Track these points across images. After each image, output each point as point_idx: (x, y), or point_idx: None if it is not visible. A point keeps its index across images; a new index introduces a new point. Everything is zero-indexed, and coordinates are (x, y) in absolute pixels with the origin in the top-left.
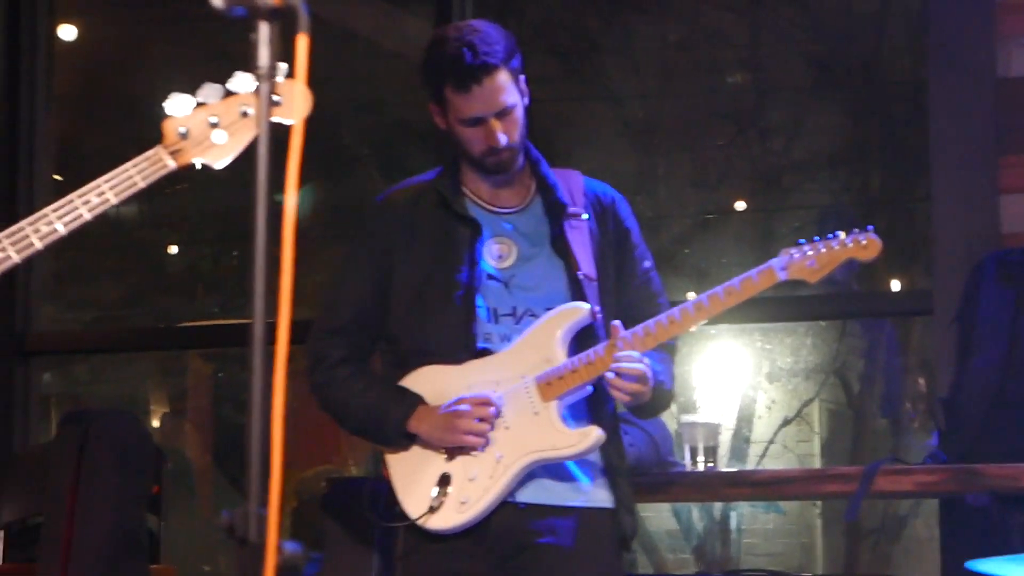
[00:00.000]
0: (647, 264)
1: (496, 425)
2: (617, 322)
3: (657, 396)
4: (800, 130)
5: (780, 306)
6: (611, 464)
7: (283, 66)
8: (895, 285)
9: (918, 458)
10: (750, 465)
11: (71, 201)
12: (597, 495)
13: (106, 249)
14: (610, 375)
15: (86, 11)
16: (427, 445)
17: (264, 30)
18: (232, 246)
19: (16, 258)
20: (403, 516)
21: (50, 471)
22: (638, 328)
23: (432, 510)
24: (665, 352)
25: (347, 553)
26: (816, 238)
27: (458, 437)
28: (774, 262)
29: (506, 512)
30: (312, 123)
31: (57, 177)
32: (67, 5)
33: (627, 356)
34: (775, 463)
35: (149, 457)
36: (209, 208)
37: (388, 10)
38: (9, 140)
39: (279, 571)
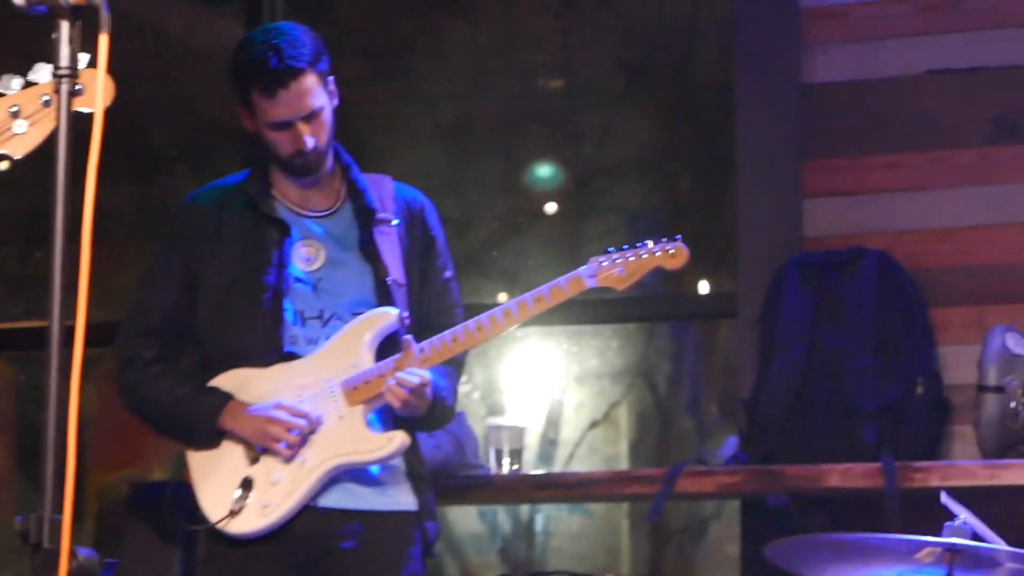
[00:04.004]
0: (448, 274)
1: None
2: (409, 336)
3: (437, 411)
4: (611, 134)
5: (586, 309)
6: (413, 469)
7: (84, 56)
8: (703, 287)
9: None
10: (558, 467)
11: None
12: (400, 499)
13: None
14: (391, 382)
15: None
16: (233, 444)
17: (65, 29)
18: (37, 247)
19: None
20: (205, 519)
21: None
22: (435, 339)
23: (233, 513)
24: (452, 367)
25: (148, 558)
26: (625, 246)
27: (267, 443)
28: (583, 270)
29: (309, 517)
30: (120, 123)
31: None
32: None
33: (410, 371)
34: (582, 465)
35: None
36: (13, 208)
37: (199, 9)
38: None
39: None
